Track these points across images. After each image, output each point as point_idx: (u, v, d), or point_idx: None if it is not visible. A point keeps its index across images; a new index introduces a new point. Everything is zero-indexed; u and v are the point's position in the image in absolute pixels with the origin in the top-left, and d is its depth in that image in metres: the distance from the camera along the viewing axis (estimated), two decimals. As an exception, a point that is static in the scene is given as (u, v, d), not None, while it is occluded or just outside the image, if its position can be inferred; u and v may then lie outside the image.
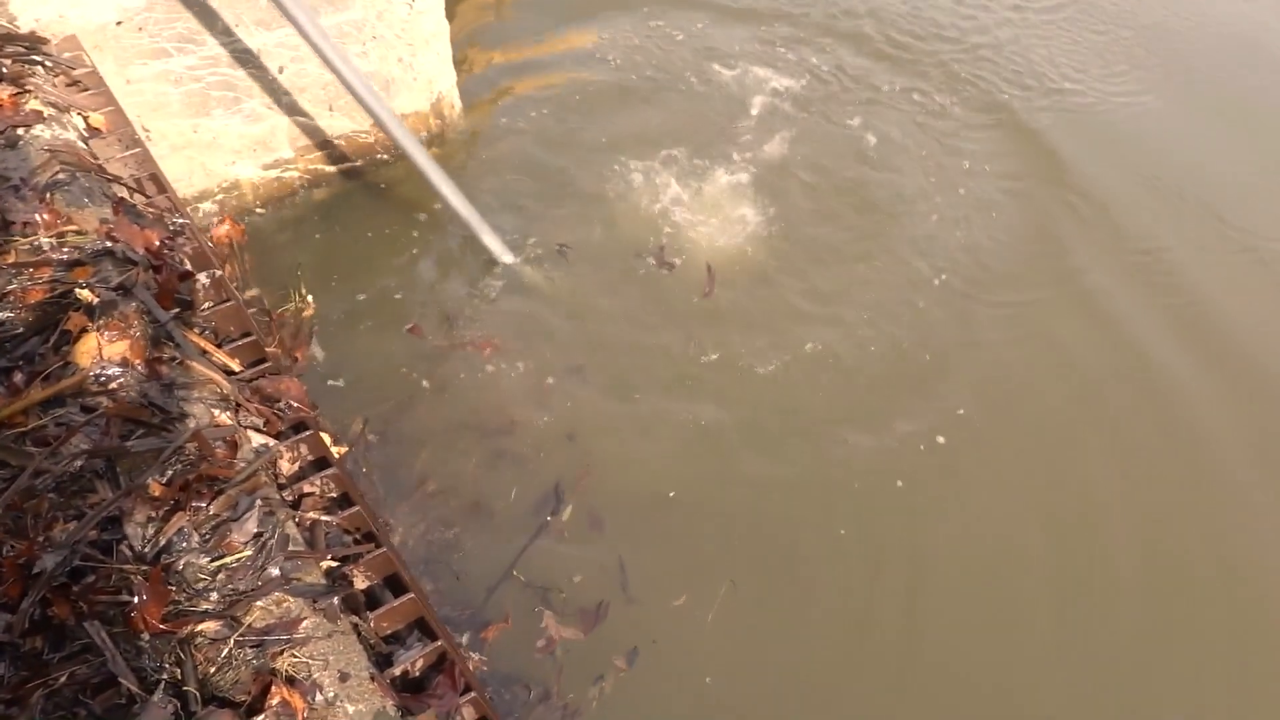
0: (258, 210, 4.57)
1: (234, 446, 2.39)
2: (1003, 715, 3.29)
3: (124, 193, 3.07)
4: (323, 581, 2.23)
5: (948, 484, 3.85)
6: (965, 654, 3.41)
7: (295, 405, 2.66)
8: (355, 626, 2.22)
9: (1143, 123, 5.66)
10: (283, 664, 2.01)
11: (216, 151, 4.33)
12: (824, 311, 4.41)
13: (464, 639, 3.26)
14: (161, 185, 3.28)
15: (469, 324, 4.20)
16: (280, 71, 4.26)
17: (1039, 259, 4.79)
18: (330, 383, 3.92)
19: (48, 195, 2.79)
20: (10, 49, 3.34)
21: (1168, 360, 4.33)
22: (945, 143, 5.34)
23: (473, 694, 2.26)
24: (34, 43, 3.44)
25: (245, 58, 4.11)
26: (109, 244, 2.71)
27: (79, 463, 2.20)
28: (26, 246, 2.64)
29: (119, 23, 3.77)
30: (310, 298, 4.16)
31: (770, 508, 3.73)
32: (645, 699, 3.21)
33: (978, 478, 3.88)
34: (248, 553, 2.15)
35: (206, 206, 4.41)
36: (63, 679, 1.87)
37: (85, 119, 3.31)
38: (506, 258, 4.31)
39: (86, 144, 3.21)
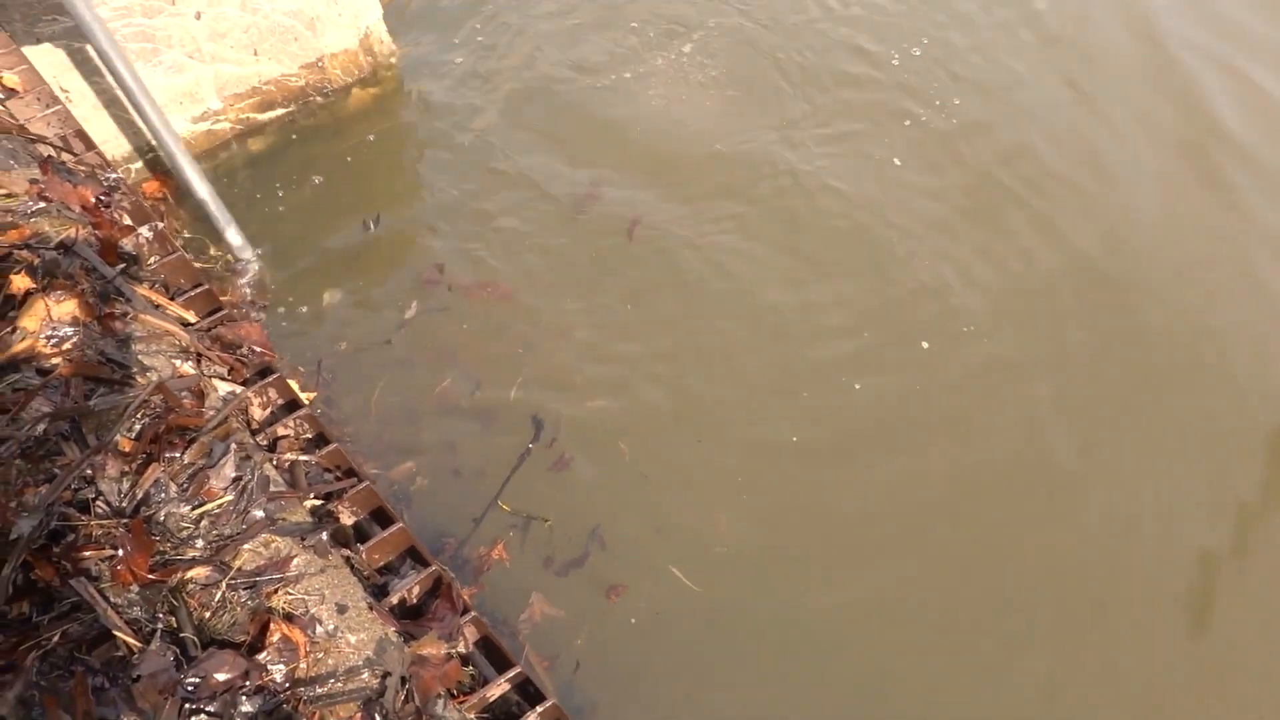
0: (189, 167, 4.42)
1: (201, 396, 2.34)
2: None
3: (50, 151, 2.94)
4: (309, 519, 2.21)
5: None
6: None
7: (258, 350, 2.60)
8: (347, 560, 2.21)
9: None
10: (278, 602, 2.00)
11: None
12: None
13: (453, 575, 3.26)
14: (89, 142, 3.15)
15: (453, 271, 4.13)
16: (198, 17, 4.08)
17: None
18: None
19: (-31, 160, 2.67)
20: (-93, 12, 3.17)
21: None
22: None
23: (472, 614, 2.27)
24: (-69, 5, 3.27)
25: (159, 5, 3.92)
26: (42, 204, 2.61)
27: (42, 426, 2.14)
28: (-45, 214, 2.54)
29: (21, -22, 3.58)
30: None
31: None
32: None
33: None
34: (228, 497, 2.12)
35: (137, 166, 4.25)
36: (55, 639, 1.84)
37: (-2, 80, 3.16)
38: (246, 253, 4.06)
39: (3, 105, 3.07)
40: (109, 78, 3.72)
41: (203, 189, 3.81)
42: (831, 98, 5.01)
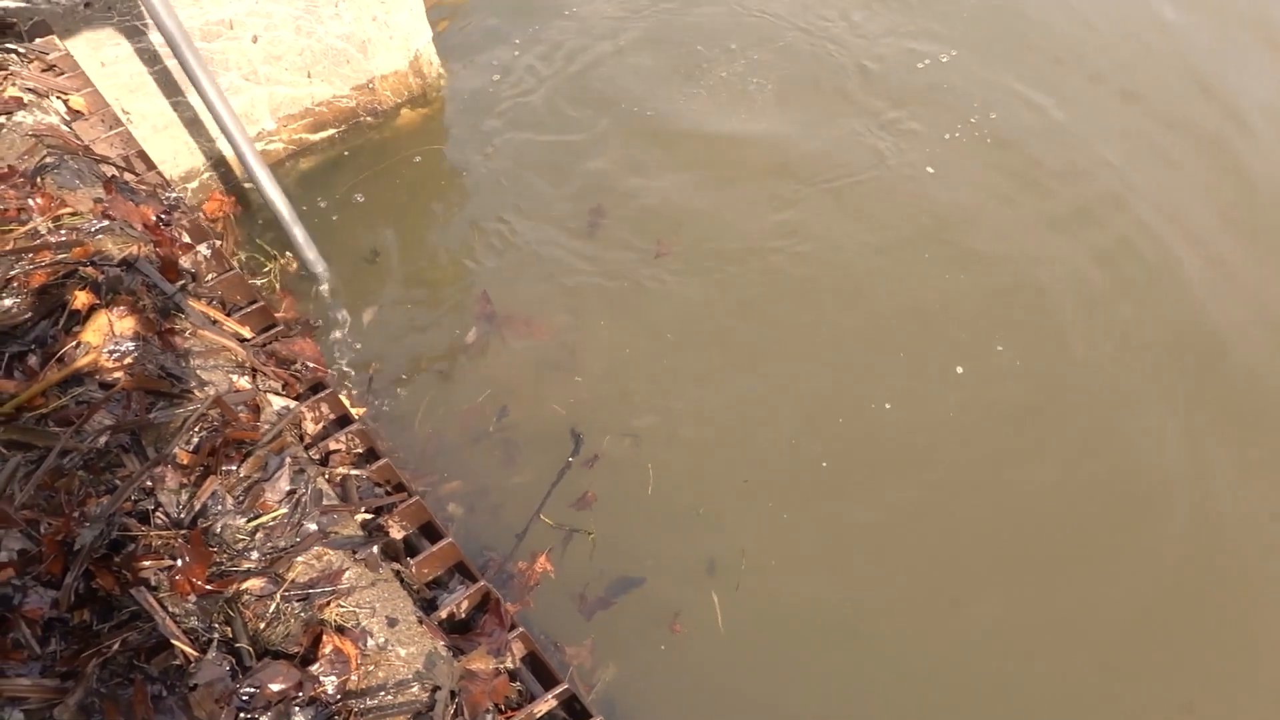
0: (246, 185, 4.52)
1: (256, 410, 2.38)
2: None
3: (114, 171, 3.03)
4: (360, 533, 2.24)
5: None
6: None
7: (311, 365, 2.65)
8: (397, 574, 2.23)
9: None
10: (331, 614, 2.03)
11: (199, 128, 4.27)
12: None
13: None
14: (150, 162, 3.24)
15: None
16: (254, 41, 4.18)
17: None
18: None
19: (38, 179, 2.75)
20: (-20, 38, 3.29)
21: None
22: None
23: (520, 629, 2.28)
24: (2, 29, 3.39)
25: (218, 29, 4.03)
26: (106, 222, 2.68)
27: (104, 438, 2.19)
28: (23, 232, 2.61)
29: (87, 4, 3.69)
30: (290, 253, 4.12)
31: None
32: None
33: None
34: (283, 510, 2.16)
35: (194, 185, 4.36)
36: (115, 647, 1.88)
37: (65, 102, 3.26)
38: (319, 268, 4.16)
39: (69, 127, 3.16)
40: (197, 100, 3.85)
41: (282, 205, 3.90)
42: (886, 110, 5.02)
